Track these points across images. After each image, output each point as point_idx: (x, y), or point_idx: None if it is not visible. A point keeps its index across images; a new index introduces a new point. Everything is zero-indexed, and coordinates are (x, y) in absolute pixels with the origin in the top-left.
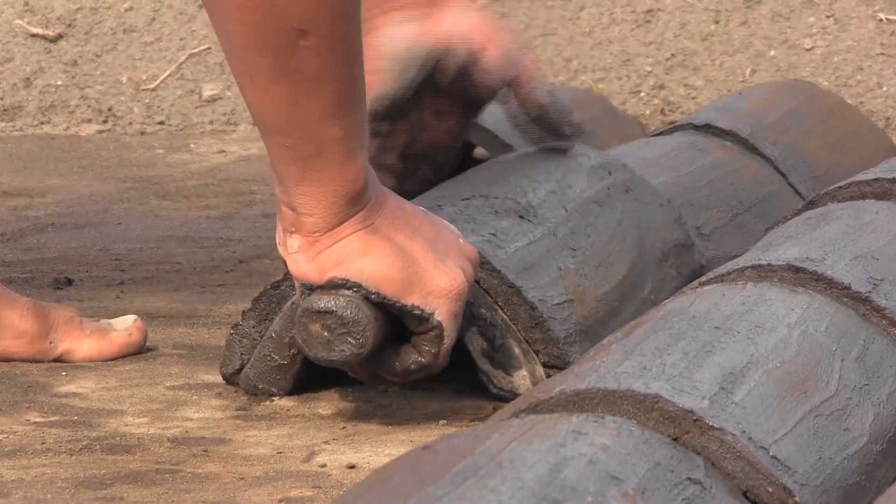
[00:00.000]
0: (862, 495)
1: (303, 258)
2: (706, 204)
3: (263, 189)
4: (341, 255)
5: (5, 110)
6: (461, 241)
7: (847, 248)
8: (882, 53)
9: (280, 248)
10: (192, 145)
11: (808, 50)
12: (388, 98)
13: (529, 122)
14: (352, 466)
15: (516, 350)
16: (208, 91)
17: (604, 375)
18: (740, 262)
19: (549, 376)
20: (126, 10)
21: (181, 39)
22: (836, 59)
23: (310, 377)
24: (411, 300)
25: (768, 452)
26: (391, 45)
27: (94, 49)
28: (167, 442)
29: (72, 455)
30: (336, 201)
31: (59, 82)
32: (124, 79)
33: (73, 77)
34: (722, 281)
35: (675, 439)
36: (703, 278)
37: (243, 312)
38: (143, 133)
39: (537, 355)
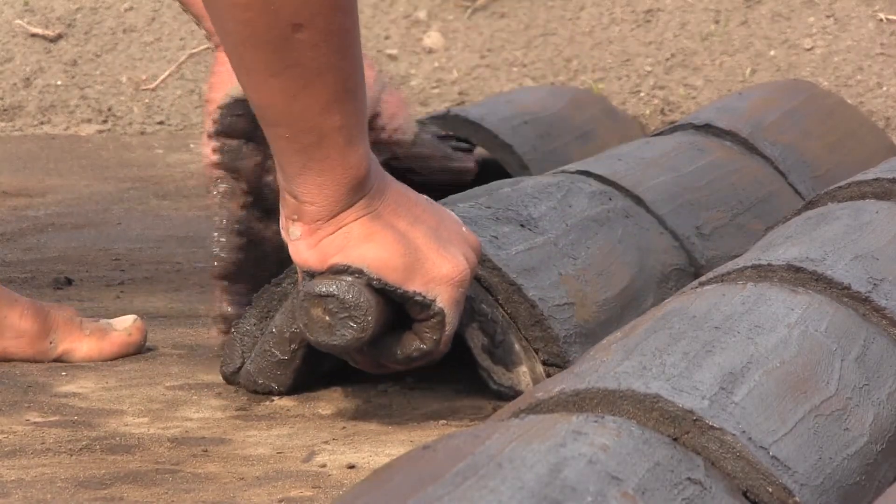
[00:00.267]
0: (862, 495)
1: (304, 245)
2: (706, 204)
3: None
4: (343, 241)
5: (5, 110)
6: (463, 229)
7: (847, 248)
8: (882, 53)
9: (283, 235)
10: (192, 145)
11: (808, 50)
12: (237, 98)
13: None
14: (352, 466)
15: (517, 346)
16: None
17: (604, 375)
18: (740, 262)
19: (548, 375)
20: (126, 10)
21: (181, 39)
22: (836, 59)
23: (310, 374)
24: (413, 287)
25: (768, 452)
26: None
27: (94, 49)
28: (167, 442)
29: (72, 455)
30: (338, 189)
31: (59, 82)
32: (124, 79)
33: (73, 77)
34: (722, 281)
35: (675, 439)
36: (703, 278)
37: (245, 310)
38: (143, 133)
39: (537, 353)
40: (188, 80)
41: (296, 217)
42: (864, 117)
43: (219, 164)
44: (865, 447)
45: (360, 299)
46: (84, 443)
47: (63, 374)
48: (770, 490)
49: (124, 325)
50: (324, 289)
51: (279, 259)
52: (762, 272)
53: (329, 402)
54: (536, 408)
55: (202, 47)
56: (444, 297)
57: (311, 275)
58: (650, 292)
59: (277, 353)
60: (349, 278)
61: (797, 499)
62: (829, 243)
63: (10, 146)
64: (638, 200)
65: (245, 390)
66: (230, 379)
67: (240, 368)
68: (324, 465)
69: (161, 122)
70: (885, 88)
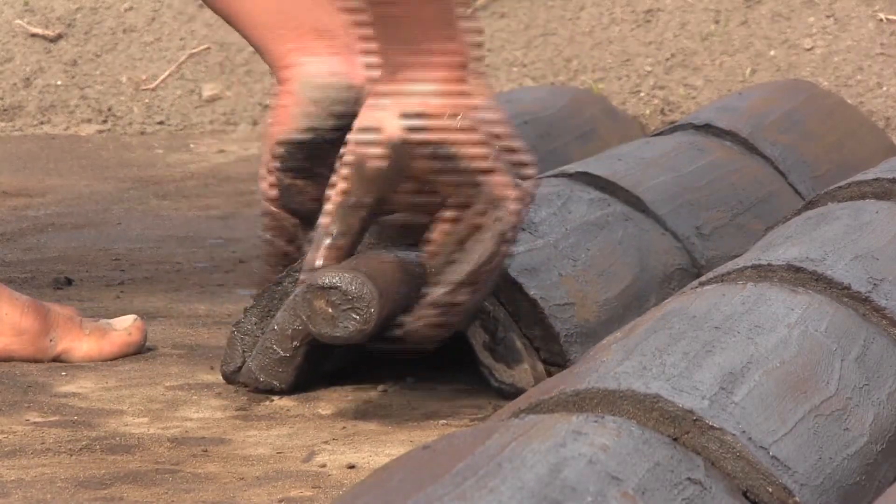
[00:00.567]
0: (862, 495)
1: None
2: (706, 204)
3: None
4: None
5: (5, 110)
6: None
7: (847, 248)
8: (882, 53)
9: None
10: (192, 145)
11: (808, 50)
12: (295, 141)
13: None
14: (352, 466)
15: (518, 344)
16: (208, 91)
17: (604, 375)
18: (740, 262)
19: (549, 374)
20: (126, 10)
21: (181, 39)
22: (836, 59)
23: (312, 372)
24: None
25: (768, 452)
26: (308, 82)
27: (94, 49)
28: (167, 442)
29: (72, 455)
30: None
31: (59, 82)
32: (124, 79)
33: (72, 77)
34: (722, 281)
35: (675, 439)
36: (703, 278)
37: (245, 310)
38: (142, 133)
39: (538, 352)
40: (188, 80)
41: (404, 100)
42: (864, 117)
43: (279, 202)
44: (865, 447)
45: (364, 291)
46: (84, 443)
47: (63, 374)
48: (770, 490)
49: (124, 325)
50: (327, 280)
51: None
52: (762, 272)
53: (329, 402)
54: (536, 408)
55: (202, 47)
56: (511, 203)
57: (396, 150)
58: (652, 293)
59: (279, 351)
60: (350, 273)
61: (797, 499)
62: (829, 243)
63: (10, 146)
64: (638, 202)
65: (245, 390)
66: (230, 378)
67: (240, 368)
68: (324, 465)
69: (161, 122)
70: (885, 88)
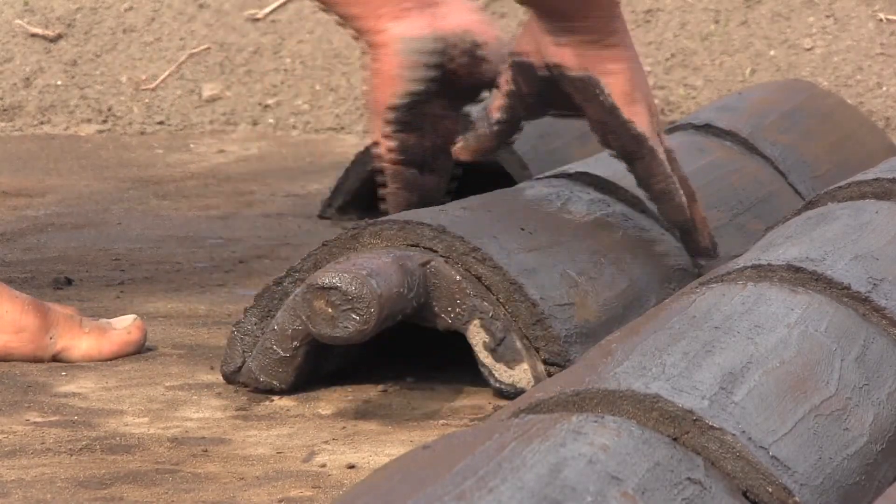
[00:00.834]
0: (862, 495)
1: (569, 50)
2: (706, 204)
3: (263, 189)
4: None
5: (5, 110)
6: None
7: (847, 248)
8: (882, 53)
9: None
10: (191, 145)
11: (808, 50)
12: (406, 100)
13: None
14: (352, 466)
15: (518, 344)
16: (208, 91)
17: (604, 375)
18: (740, 262)
19: (549, 374)
20: (126, 10)
21: (181, 39)
22: (836, 59)
23: (312, 372)
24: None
25: (768, 452)
26: (402, 41)
27: (93, 49)
28: (167, 442)
29: (72, 455)
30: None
31: (58, 82)
32: (124, 79)
33: (72, 77)
34: (722, 281)
35: (675, 439)
36: (703, 278)
37: (245, 310)
38: (142, 133)
39: (538, 352)
40: (188, 80)
41: (563, 36)
42: (864, 117)
43: (397, 157)
44: (865, 447)
45: (363, 291)
46: (84, 443)
47: (63, 374)
48: (770, 490)
49: (124, 325)
50: (327, 281)
51: None
52: (762, 272)
53: (329, 402)
54: (536, 407)
55: (202, 47)
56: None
57: (553, 70)
58: (652, 293)
59: (279, 351)
60: (350, 274)
61: (797, 499)
62: (829, 243)
63: (10, 146)
64: (637, 203)
65: (245, 390)
66: (230, 378)
67: (240, 368)
68: (324, 465)
69: (161, 122)
70: (884, 88)
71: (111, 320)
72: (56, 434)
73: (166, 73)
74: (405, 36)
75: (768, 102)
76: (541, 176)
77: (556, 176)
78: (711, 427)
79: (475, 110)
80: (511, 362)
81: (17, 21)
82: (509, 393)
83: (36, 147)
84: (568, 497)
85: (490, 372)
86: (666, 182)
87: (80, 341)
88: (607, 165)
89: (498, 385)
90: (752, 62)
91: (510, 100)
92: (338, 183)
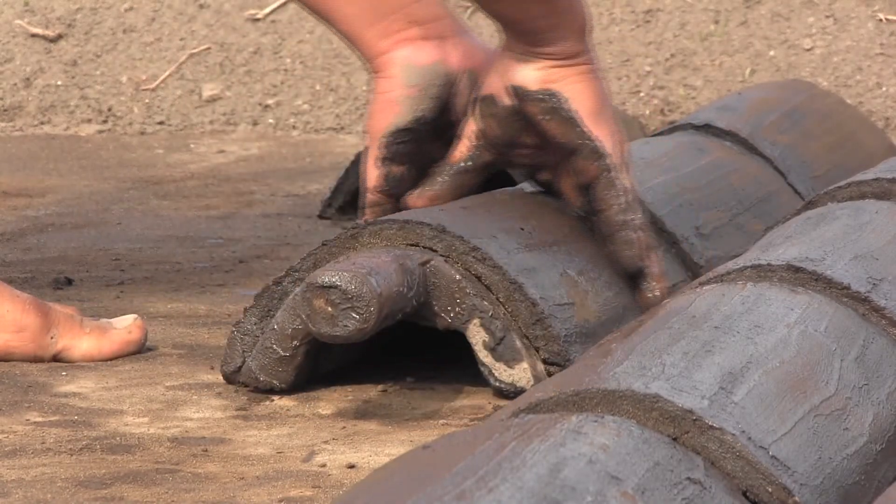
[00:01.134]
0: (861, 495)
1: (532, 72)
2: (706, 204)
3: (263, 189)
4: (561, 75)
5: (5, 110)
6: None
7: (847, 247)
8: (882, 53)
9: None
10: (192, 145)
11: (808, 50)
12: (402, 128)
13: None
14: (352, 466)
15: (518, 343)
16: (208, 91)
17: (604, 375)
18: (740, 262)
19: (549, 374)
20: (126, 10)
21: (181, 39)
22: (836, 59)
23: (312, 371)
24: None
25: (768, 452)
26: (407, 67)
27: (94, 49)
28: (167, 442)
29: (72, 455)
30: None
31: (59, 82)
32: (124, 79)
33: (73, 77)
34: (722, 281)
35: (675, 439)
36: (703, 278)
37: (245, 309)
38: (143, 133)
39: (538, 352)
40: (188, 80)
41: (530, 59)
42: (863, 117)
43: (385, 189)
44: (865, 447)
45: (363, 290)
46: (84, 443)
47: (63, 373)
48: (770, 490)
49: (124, 324)
50: (327, 280)
51: None
52: (762, 272)
53: (329, 402)
54: (536, 407)
55: (202, 47)
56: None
57: (518, 93)
58: None
59: (279, 350)
60: (349, 274)
61: (797, 498)
62: (829, 243)
63: (10, 146)
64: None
65: (245, 390)
66: (230, 378)
67: (240, 368)
68: (324, 465)
69: (161, 122)
70: (884, 88)
71: (111, 320)
72: (56, 434)
73: (166, 73)
74: (410, 62)
75: (768, 102)
76: None
77: None
78: (711, 427)
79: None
80: (511, 362)
81: (18, 21)
82: (509, 392)
83: (36, 147)
84: (568, 497)
85: (490, 371)
86: (620, 214)
87: (81, 341)
88: None
89: (498, 384)
90: (752, 62)
91: (476, 142)
92: (338, 183)
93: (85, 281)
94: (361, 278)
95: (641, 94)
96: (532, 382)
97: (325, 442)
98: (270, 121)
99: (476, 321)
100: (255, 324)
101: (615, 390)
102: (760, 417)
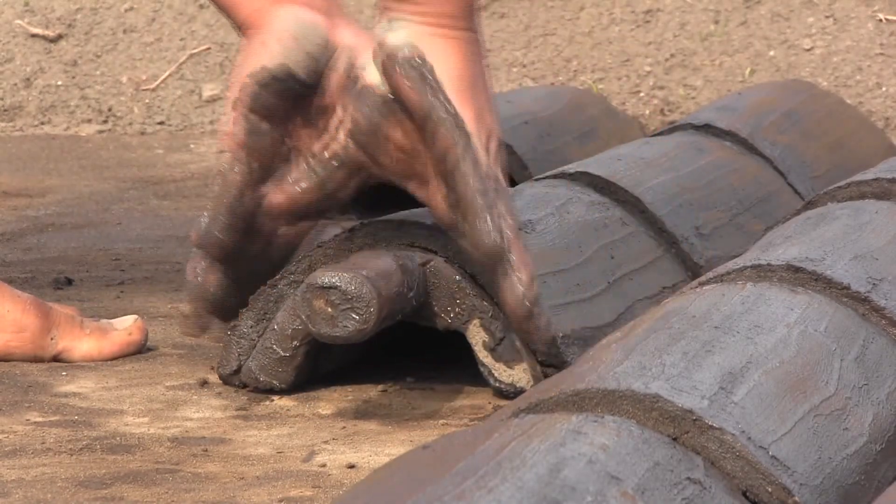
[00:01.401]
0: (861, 495)
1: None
2: (706, 204)
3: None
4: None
5: (5, 110)
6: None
7: (846, 248)
8: (881, 54)
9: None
10: (192, 145)
11: (808, 50)
12: (272, 74)
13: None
14: (352, 466)
15: (518, 344)
16: (208, 91)
17: (603, 375)
18: (740, 262)
19: (546, 375)
20: (126, 10)
21: (181, 39)
22: (836, 59)
23: (312, 372)
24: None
25: (768, 452)
26: (288, 18)
27: (94, 49)
28: (167, 442)
29: (72, 455)
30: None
31: (59, 82)
32: (124, 79)
33: (73, 77)
34: (721, 281)
35: (675, 439)
36: (703, 278)
37: (241, 312)
38: (143, 133)
39: (535, 354)
40: (188, 80)
41: (403, 18)
42: (863, 117)
43: (243, 142)
44: (865, 447)
45: (363, 291)
46: (84, 443)
47: (63, 373)
48: (769, 490)
49: (125, 325)
50: (326, 280)
51: (265, 257)
52: (762, 272)
53: (329, 402)
54: (536, 407)
55: (202, 47)
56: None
57: (382, 49)
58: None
59: (279, 350)
60: (351, 272)
61: (797, 498)
62: (829, 243)
63: (10, 146)
64: (637, 204)
65: (245, 390)
66: (227, 380)
67: (236, 371)
68: (324, 465)
69: (161, 122)
70: (884, 89)
71: (112, 321)
72: (56, 434)
73: (166, 73)
74: (294, 14)
75: (768, 103)
76: (540, 176)
77: (555, 176)
78: (711, 427)
79: None
80: (510, 362)
81: (18, 21)
82: (509, 392)
83: (36, 147)
84: (568, 497)
85: (490, 371)
86: (479, 196)
87: (81, 342)
88: (607, 165)
89: (497, 385)
90: (752, 62)
91: (345, 137)
92: None
93: (85, 281)
94: (361, 279)
95: (641, 94)
96: (532, 382)
97: (325, 442)
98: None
99: (476, 321)
100: (252, 327)
101: (615, 390)
102: (760, 417)
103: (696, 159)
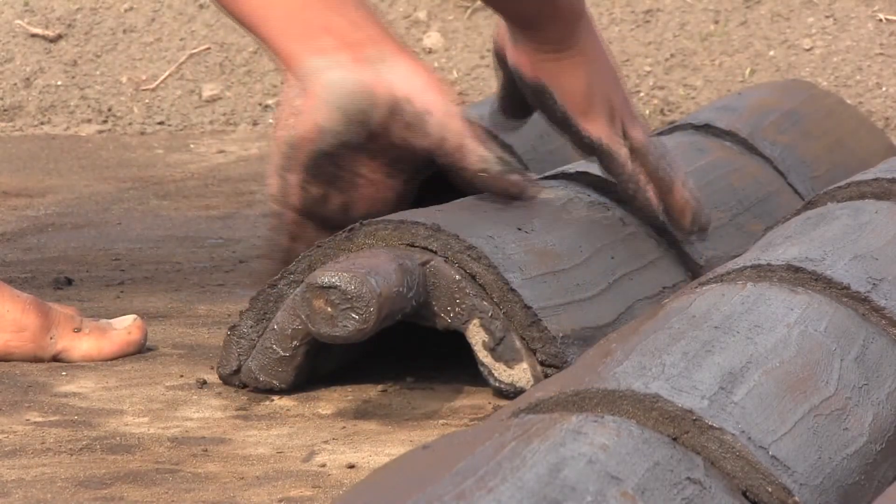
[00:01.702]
0: (861, 495)
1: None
2: (706, 204)
3: (263, 189)
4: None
5: (5, 110)
6: None
7: (846, 247)
8: (881, 53)
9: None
10: (192, 145)
11: (808, 50)
12: (324, 152)
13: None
14: (352, 466)
15: (517, 343)
16: (208, 91)
17: (603, 375)
18: (740, 261)
19: (546, 376)
20: (126, 10)
21: (181, 39)
22: (836, 59)
23: (312, 372)
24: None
25: (768, 452)
26: (330, 87)
27: (94, 49)
28: (167, 442)
29: (72, 455)
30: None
31: (59, 82)
32: (124, 79)
33: (73, 77)
34: (721, 281)
35: (675, 439)
36: (703, 278)
37: (241, 313)
38: (143, 133)
39: (535, 354)
40: (188, 80)
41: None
42: (863, 117)
43: (296, 206)
44: (865, 447)
45: (363, 291)
46: (84, 442)
47: (63, 373)
48: (769, 490)
49: (124, 325)
50: (326, 280)
51: None
52: (762, 272)
53: (329, 402)
54: (536, 407)
55: (202, 47)
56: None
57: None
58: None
59: (279, 350)
60: (350, 272)
61: (797, 498)
62: (829, 243)
63: (10, 146)
64: None
65: (245, 390)
66: (227, 380)
67: (236, 371)
68: (324, 465)
69: (161, 122)
70: (884, 89)
71: (111, 320)
72: (56, 434)
73: (166, 73)
74: (335, 83)
75: (768, 102)
76: (540, 176)
77: (555, 176)
78: (711, 427)
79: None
80: (510, 362)
81: (18, 21)
82: (509, 392)
83: (36, 147)
84: (568, 497)
85: (489, 371)
86: (629, 183)
87: (81, 342)
88: None
89: (497, 384)
90: (752, 62)
91: (503, 91)
92: None
93: (85, 281)
94: (361, 278)
95: (641, 94)
96: (532, 383)
97: (325, 442)
98: (270, 121)
99: (476, 321)
100: (251, 327)
101: (615, 390)
102: (760, 417)
103: (696, 159)
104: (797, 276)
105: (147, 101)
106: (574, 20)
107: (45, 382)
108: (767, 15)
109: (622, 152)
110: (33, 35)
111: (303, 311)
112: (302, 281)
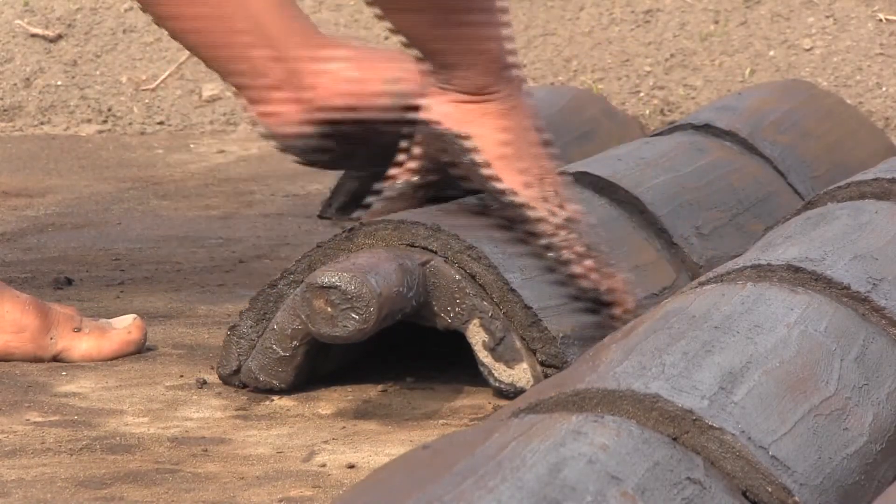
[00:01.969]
0: (861, 495)
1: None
2: (706, 204)
3: (263, 189)
4: (475, 116)
5: (5, 110)
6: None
7: (846, 247)
8: (881, 53)
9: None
10: (191, 145)
11: (808, 50)
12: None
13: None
14: (352, 466)
15: (517, 344)
16: (208, 91)
17: (603, 375)
18: (740, 262)
19: (546, 376)
20: (126, 11)
21: None
22: (836, 59)
23: (311, 372)
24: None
25: (768, 452)
26: (276, 140)
27: (94, 49)
28: (167, 442)
29: (72, 455)
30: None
31: (59, 82)
32: (124, 79)
33: (73, 77)
34: (721, 281)
35: (675, 439)
36: (703, 278)
37: (241, 313)
38: (143, 133)
39: (535, 354)
40: (188, 80)
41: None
42: (863, 117)
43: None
44: (865, 447)
45: (363, 290)
46: (84, 442)
47: (63, 373)
48: (769, 490)
49: (124, 324)
50: (326, 280)
51: None
52: (762, 272)
53: (329, 402)
54: (536, 407)
55: None
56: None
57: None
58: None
59: (279, 350)
60: (349, 274)
61: (796, 498)
62: (829, 243)
63: (10, 146)
64: (637, 204)
65: (245, 390)
66: (227, 380)
67: (236, 371)
68: (324, 465)
69: (161, 122)
70: (884, 89)
71: (111, 320)
72: (56, 434)
73: (166, 73)
74: (274, 134)
75: (768, 103)
76: None
77: None
78: (711, 427)
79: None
80: (511, 362)
81: (18, 21)
82: (509, 392)
83: (36, 147)
84: (568, 497)
85: (490, 371)
86: (549, 251)
87: (81, 342)
88: (607, 166)
89: (497, 384)
90: (752, 62)
91: (419, 162)
92: (338, 183)
93: (85, 281)
94: (361, 278)
95: (641, 94)
96: (532, 383)
97: (325, 442)
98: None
99: (476, 321)
100: (251, 327)
101: (615, 390)
102: (760, 417)
103: (696, 159)
104: (797, 276)
105: (147, 101)
106: (499, 69)
107: (45, 382)
108: (767, 15)
109: (544, 215)
110: (33, 35)
111: (303, 311)
112: (302, 281)
